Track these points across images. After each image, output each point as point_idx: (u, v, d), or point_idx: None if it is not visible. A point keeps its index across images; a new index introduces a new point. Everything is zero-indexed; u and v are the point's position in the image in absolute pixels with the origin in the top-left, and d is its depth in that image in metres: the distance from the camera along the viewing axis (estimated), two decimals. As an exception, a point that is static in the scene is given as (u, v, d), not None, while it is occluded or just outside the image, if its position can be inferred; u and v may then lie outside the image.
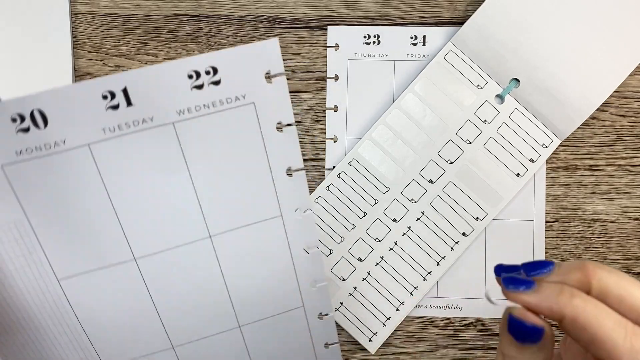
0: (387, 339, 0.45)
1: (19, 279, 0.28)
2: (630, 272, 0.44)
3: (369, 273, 0.44)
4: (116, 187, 0.28)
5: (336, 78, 0.44)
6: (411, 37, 0.44)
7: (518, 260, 0.28)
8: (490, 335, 0.44)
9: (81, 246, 0.28)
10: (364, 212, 0.44)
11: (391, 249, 0.44)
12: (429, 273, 0.43)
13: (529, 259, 0.44)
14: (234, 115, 0.28)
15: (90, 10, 0.45)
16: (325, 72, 0.45)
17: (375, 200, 0.44)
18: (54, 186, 0.27)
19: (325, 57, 0.45)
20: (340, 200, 0.44)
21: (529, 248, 0.44)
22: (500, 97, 0.43)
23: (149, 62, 0.45)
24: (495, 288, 0.36)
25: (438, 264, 0.43)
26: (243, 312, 0.32)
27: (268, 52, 0.27)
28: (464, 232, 0.43)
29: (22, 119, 0.25)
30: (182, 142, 0.28)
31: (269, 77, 0.28)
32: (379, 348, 0.45)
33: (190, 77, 0.27)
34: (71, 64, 0.44)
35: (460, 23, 0.44)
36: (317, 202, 0.44)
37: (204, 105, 0.27)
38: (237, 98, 0.28)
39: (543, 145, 0.43)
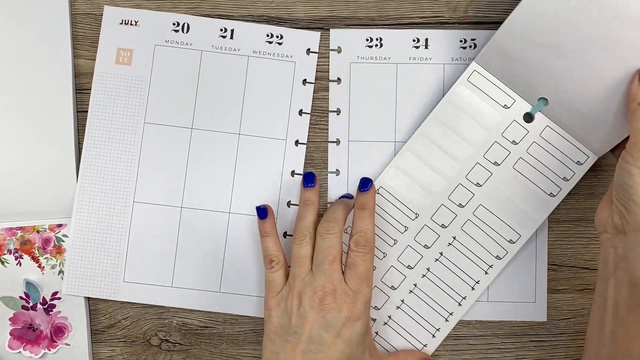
0: (387, 339, 0.45)
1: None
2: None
3: (402, 301, 0.43)
4: (205, 81, 0.45)
5: (338, 81, 0.44)
6: (413, 40, 0.44)
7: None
8: (490, 335, 0.44)
9: (168, 108, 0.44)
10: (394, 240, 0.43)
11: (424, 275, 0.43)
12: (463, 298, 0.43)
13: (526, 259, 0.44)
14: (282, 65, 0.44)
15: (90, 10, 0.45)
16: (326, 72, 0.45)
17: (405, 227, 0.43)
18: (176, 65, 0.44)
19: (326, 57, 0.44)
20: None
21: (531, 247, 0.44)
22: (529, 116, 0.41)
23: (149, 62, 0.45)
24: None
25: (472, 288, 0.43)
26: (235, 204, 0.45)
27: (313, 38, 0.44)
28: (497, 256, 0.42)
29: (178, 24, 0.44)
30: (248, 71, 0.44)
31: (308, 52, 0.44)
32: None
33: (268, 35, 0.44)
34: (71, 64, 0.44)
35: (460, 23, 0.44)
36: (346, 232, 0.43)
37: (268, 53, 0.44)
38: (287, 56, 0.44)
39: (578, 163, 0.41)
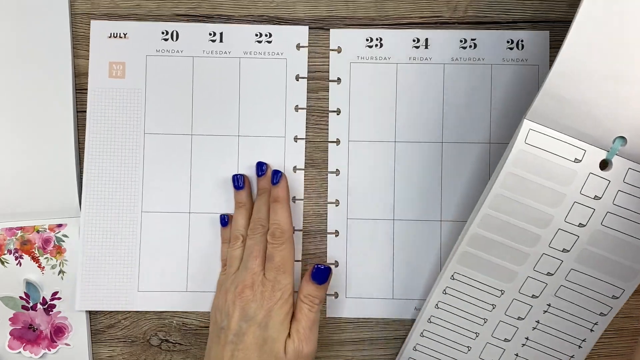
0: (386, 339, 0.45)
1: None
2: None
3: None
4: (200, 86, 0.45)
5: (338, 81, 0.44)
6: (413, 40, 0.44)
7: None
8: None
9: (166, 116, 0.45)
10: (484, 319, 0.41)
11: (524, 345, 0.41)
12: (571, 357, 0.41)
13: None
14: (273, 63, 0.45)
15: (90, 10, 0.45)
16: (326, 72, 0.45)
17: (492, 305, 0.41)
18: (169, 73, 0.45)
19: (326, 57, 0.45)
20: (456, 315, 0.42)
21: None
22: (606, 163, 0.36)
23: (149, 62, 0.45)
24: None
25: (579, 346, 0.41)
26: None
27: (301, 32, 0.45)
28: (601, 313, 0.40)
29: (167, 33, 0.44)
30: (241, 73, 0.44)
31: (298, 47, 0.44)
32: (379, 347, 0.45)
33: (257, 35, 0.44)
34: (71, 64, 0.44)
35: (460, 23, 0.44)
36: (437, 308, 0.42)
37: (259, 52, 0.44)
38: (277, 53, 0.45)
39: None
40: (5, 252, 0.44)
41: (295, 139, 0.45)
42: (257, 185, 0.44)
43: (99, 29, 0.44)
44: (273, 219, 0.42)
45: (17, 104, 0.44)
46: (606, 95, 0.35)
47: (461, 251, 0.40)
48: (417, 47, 0.44)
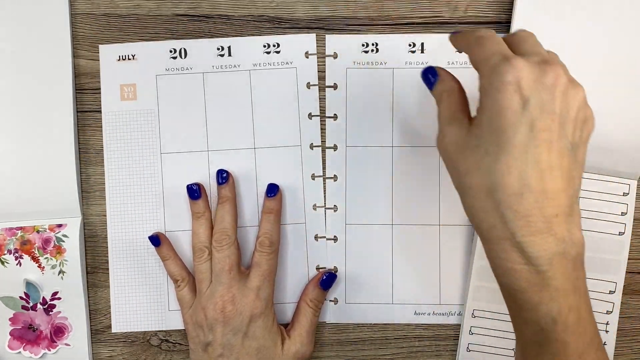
0: (386, 339, 0.45)
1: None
2: (630, 272, 0.44)
3: None
4: (212, 101, 0.45)
5: (335, 87, 0.44)
6: (409, 45, 0.44)
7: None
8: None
9: (181, 135, 0.45)
10: (513, 349, 0.43)
11: None
12: None
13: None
14: (283, 73, 0.44)
15: (90, 10, 0.45)
16: (322, 78, 0.44)
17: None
18: (180, 91, 0.44)
19: (322, 64, 0.44)
20: (488, 352, 0.44)
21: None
22: None
23: (149, 62, 0.45)
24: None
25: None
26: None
27: (309, 40, 0.44)
28: (607, 311, 0.43)
29: (175, 51, 0.44)
30: (252, 85, 0.44)
31: (307, 55, 0.44)
32: (379, 347, 0.45)
33: (265, 46, 0.44)
34: (71, 64, 0.44)
35: (460, 23, 0.44)
36: (469, 351, 0.44)
37: (268, 63, 0.44)
38: (287, 63, 0.44)
39: (624, 194, 0.43)
40: (5, 252, 0.44)
41: (311, 146, 0.44)
42: (218, 193, 0.43)
43: (107, 52, 0.44)
44: (265, 228, 0.42)
45: (17, 104, 0.44)
46: None
47: (473, 286, 0.42)
48: (413, 52, 0.44)
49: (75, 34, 0.45)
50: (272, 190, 0.43)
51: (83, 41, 0.45)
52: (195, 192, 0.43)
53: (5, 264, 0.44)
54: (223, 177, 0.43)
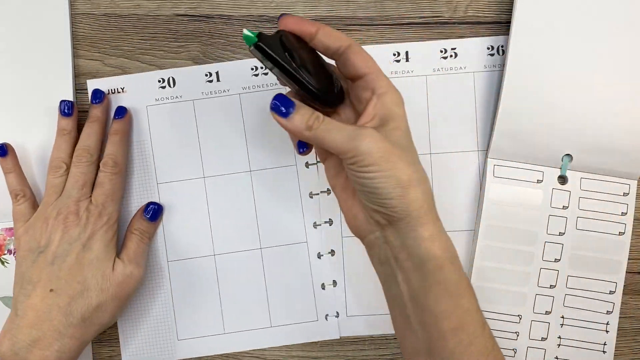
0: (386, 339, 0.45)
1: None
2: (630, 272, 0.44)
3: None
4: (205, 128, 0.45)
5: None
6: (394, 54, 0.44)
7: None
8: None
9: (176, 163, 0.44)
10: (514, 349, 0.43)
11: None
12: None
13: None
14: (273, 94, 0.41)
15: (90, 10, 0.45)
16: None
17: (516, 332, 0.43)
18: (172, 120, 0.45)
19: (325, 57, 0.44)
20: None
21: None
22: (562, 178, 0.43)
23: (148, 62, 0.45)
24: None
25: (603, 352, 0.43)
26: (264, 237, 0.45)
27: None
28: (607, 311, 0.43)
29: (164, 80, 0.44)
30: (243, 108, 0.44)
31: None
32: (378, 347, 0.45)
33: (252, 69, 0.44)
34: (71, 64, 0.44)
35: (460, 23, 0.44)
36: None
37: (257, 85, 0.44)
38: (275, 84, 0.44)
39: (625, 194, 0.43)
40: (5, 252, 0.44)
41: (307, 165, 0.44)
42: (90, 112, 0.43)
43: (96, 86, 0.44)
44: (110, 150, 0.42)
45: (17, 104, 0.44)
46: (546, 123, 0.42)
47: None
48: (397, 61, 0.44)
49: (75, 34, 0.45)
50: (120, 112, 0.43)
51: (83, 41, 0.45)
52: (68, 108, 0.42)
53: (5, 264, 0.44)
54: (99, 97, 0.43)
